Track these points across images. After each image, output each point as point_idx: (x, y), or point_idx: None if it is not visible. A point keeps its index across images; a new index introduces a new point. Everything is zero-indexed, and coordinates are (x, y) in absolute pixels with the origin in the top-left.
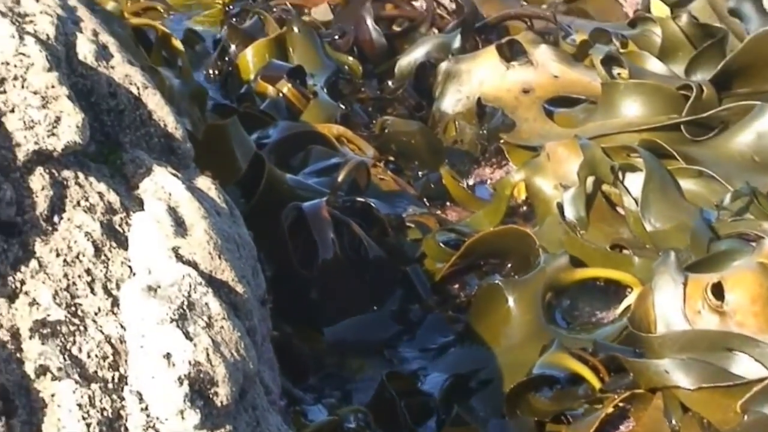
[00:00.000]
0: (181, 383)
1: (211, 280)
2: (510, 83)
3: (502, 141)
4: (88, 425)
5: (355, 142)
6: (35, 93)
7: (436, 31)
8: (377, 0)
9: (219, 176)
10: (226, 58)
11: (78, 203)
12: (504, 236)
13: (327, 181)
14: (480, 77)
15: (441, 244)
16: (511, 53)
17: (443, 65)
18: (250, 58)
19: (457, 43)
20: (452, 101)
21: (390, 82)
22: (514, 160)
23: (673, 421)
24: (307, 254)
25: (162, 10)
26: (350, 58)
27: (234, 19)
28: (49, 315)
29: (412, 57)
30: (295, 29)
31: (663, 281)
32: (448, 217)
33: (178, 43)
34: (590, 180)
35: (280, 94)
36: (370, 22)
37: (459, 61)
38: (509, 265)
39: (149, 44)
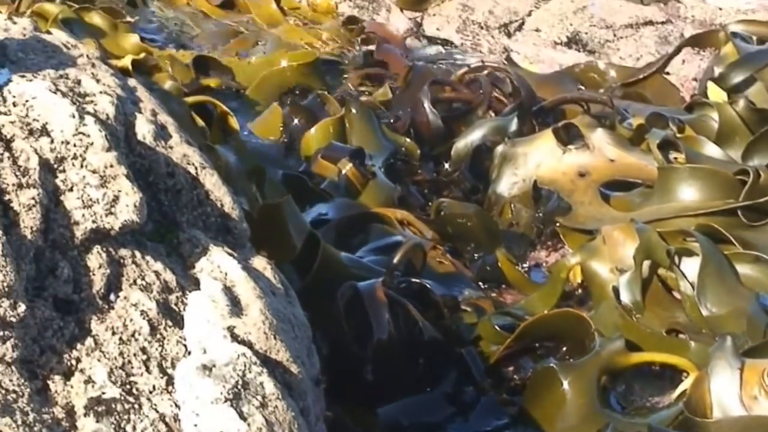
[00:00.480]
0: None
1: (265, 360)
2: (566, 166)
3: (557, 224)
4: None
5: (415, 225)
6: (94, 172)
7: (492, 114)
8: (435, 83)
9: (274, 254)
10: (286, 135)
11: (134, 282)
12: (559, 319)
13: (383, 261)
14: (536, 160)
15: (496, 327)
16: (568, 137)
17: (499, 148)
18: (314, 136)
19: (513, 126)
20: (508, 184)
21: (446, 164)
22: (570, 243)
23: None
24: (361, 334)
25: (219, 84)
26: (407, 140)
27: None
28: (104, 393)
29: (468, 139)
30: (354, 110)
31: (719, 366)
32: (503, 300)
33: (234, 122)
34: (646, 264)
35: (341, 174)
36: (427, 104)
37: (515, 144)
38: (564, 349)
39: (210, 115)
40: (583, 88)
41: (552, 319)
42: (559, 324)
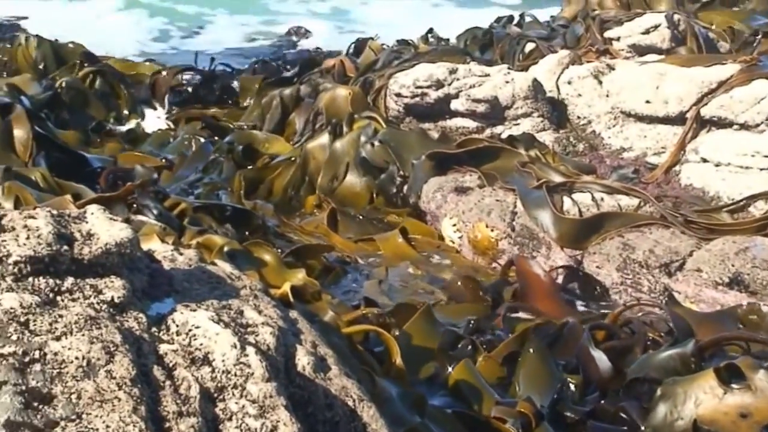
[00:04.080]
0: None
1: None
2: (727, 407)
3: None
4: None
5: None
6: (253, 402)
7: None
8: (592, 327)
9: None
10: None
11: None
12: None
13: None
14: (696, 400)
15: None
16: (729, 377)
17: (660, 387)
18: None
19: (672, 362)
20: (668, 422)
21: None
22: None
23: None
24: None
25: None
26: (571, 378)
27: None
28: None
29: (628, 375)
30: (531, 349)
31: None
32: None
33: (396, 352)
34: None
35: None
36: (593, 351)
37: (676, 383)
38: None
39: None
40: (742, 327)
41: None
42: None
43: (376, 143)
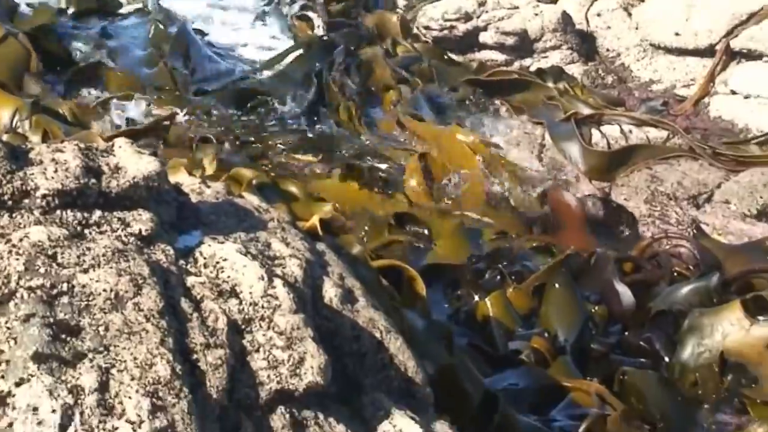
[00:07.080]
0: None
1: None
2: (754, 339)
3: (744, 396)
4: None
5: (607, 400)
6: (281, 334)
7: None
8: (619, 260)
9: (450, 414)
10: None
11: None
12: None
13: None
14: (723, 331)
15: None
16: (756, 309)
17: (687, 319)
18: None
19: (698, 296)
20: (694, 354)
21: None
22: (756, 415)
23: None
24: None
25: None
26: (597, 308)
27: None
28: None
29: (654, 308)
30: (556, 284)
31: None
32: None
33: (421, 286)
34: None
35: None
36: (618, 285)
37: (702, 314)
38: None
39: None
40: None
41: None
42: None
43: None
